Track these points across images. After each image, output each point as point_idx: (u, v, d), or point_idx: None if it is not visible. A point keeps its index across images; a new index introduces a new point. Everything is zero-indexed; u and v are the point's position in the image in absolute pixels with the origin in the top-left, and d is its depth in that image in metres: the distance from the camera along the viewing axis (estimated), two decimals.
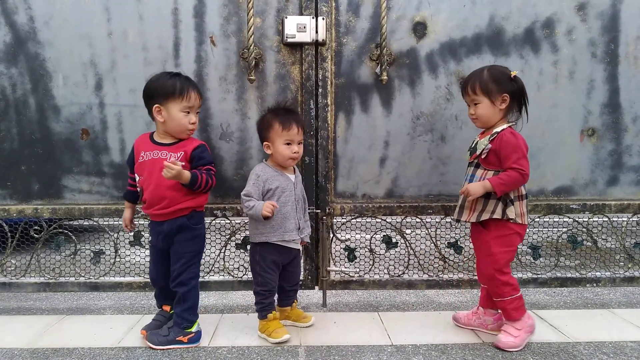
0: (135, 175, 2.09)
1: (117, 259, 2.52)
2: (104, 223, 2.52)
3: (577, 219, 2.58)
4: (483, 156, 2.03)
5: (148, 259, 2.52)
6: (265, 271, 2.12)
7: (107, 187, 2.45)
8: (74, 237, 2.52)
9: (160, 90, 2.00)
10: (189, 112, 2.03)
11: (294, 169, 2.26)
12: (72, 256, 2.53)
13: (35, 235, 2.50)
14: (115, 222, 2.50)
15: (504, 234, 2.02)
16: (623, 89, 2.48)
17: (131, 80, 2.38)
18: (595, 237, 2.60)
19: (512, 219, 1.99)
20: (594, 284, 2.61)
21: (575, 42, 2.44)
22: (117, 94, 2.40)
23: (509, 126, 2.04)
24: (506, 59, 2.42)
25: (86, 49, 2.36)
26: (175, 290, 2.06)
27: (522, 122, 2.10)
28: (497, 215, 1.99)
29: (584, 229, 2.59)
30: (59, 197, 2.46)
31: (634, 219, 2.61)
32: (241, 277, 2.53)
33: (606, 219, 2.58)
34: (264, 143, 2.16)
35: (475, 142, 2.13)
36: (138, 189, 2.09)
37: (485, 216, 2.02)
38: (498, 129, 2.03)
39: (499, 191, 1.95)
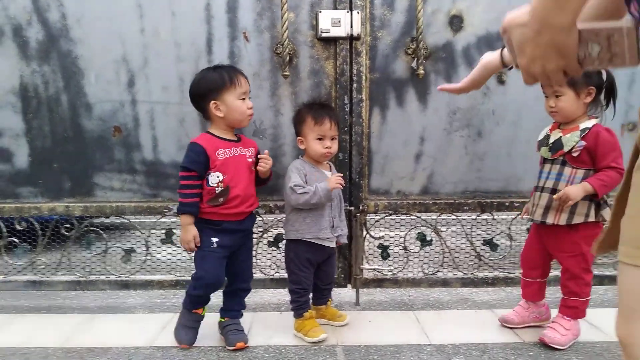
0: (213, 176, 1.94)
1: (148, 257, 2.50)
2: (135, 221, 2.49)
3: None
4: (575, 154, 1.92)
5: (179, 257, 2.51)
6: (300, 269, 2.09)
7: (139, 185, 2.43)
8: (104, 235, 2.51)
9: (211, 86, 1.95)
10: (244, 99, 1.99)
11: (330, 165, 2.23)
12: (102, 254, 2.51)
13: (66, 233, 2.48)
14: (146, 220, 2.48)
15: (593, 233, 1.92)
16: None
17: (163, 77, 2.36)
18: None
19: (607, 220, 1.93)
20: None
21: None
22: (149, 91, 2.37)
23: (597, 122, 1.94)
24: None
25: (118, 46, 2.34)
26: (243, 289, 2.13)
27: (604, 118, 2.00)
28: (591, 218, 1.93)
29: None
30: (90, 195, 2.44)
31: None
32: (273, 275, 2.50)
33: None
34: (298, 138, 2.14)
35: (550, 137, 2.03)
36: (218, 190, 1.94)
37: (577, 219, 1.93)
38: (587, 125, 1.93)
39: (601, 193, 1.88)
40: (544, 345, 1.98)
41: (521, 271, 2.24)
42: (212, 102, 1.94)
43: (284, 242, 2.20)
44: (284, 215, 2.42)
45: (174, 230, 2.50)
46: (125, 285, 2.50)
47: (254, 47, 2.34)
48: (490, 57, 1.45)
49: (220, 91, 1.94)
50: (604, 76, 1.94)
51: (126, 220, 2.49)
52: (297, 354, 1.95)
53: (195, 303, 2.03)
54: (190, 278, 2.09)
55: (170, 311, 2.44)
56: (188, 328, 2.04)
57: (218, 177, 1.94)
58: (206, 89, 1.95)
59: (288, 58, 2.29)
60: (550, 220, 1.98)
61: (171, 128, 2.39)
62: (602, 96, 1.98)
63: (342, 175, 2.11)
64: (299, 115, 2.13)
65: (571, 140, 1.94)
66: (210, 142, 1.96)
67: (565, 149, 1.94)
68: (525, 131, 2.39)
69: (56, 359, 1.93)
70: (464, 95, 2.36)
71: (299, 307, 2.11)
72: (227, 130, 2.02)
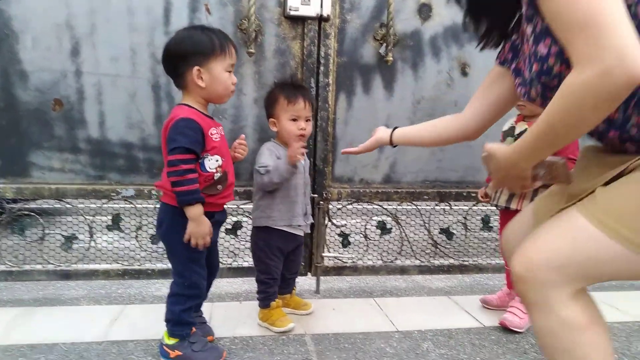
0: (211, 160, 1.65)
1: (92, 245, 2.29)
2: (79, 205, 2.26)
3: None
4: None
5: (126, 244, 2.32)
6: (270, 258, 2.00)
7: (83, 165, 2.20)
8: (41, 220, 2.25)
9: (198, 48, 1.61)
10: (230, 72, 1.69)
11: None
12: (39, 241, 2.26)
13: None
14: (91, 204, 2.26)
15: None
16: None
17: (113, 47, 2.13)
18: None
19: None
20: None
21: None
22: (96, 61, 2.14)
23: None
24: None
25: (61, 8, 2.08)
26: (212, 281, 1.90)
27: None
28: None
29: None
30: (25, 175, 2.17)
31: None
32: (230, 264, 2.38)
33: None
34: (270, 119, 2.03)
35: (516, 128, 2.10)
36: (217, 176, 1.67)
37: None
38: None
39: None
40: (504, 328, 2.05)
41: (504, 261, 2.32)
42: (196, 68, 1.61)
43: (250, 229, 2.10)
44: (243, 202, 2.32)
45: (122, 216, 2.30)
46: (66, 275, 2.27)
47: (216, 20, 2.19)
48: (383, 135, 1.73)
49: (208, 57, 1.62)
50: None
51: (68, 204, 2.25)
52: (265, 344, 1.87)
53: (189, 323, 1.72)
54: (172, 292, 1.72)
55: (118, 303, 2.25)
56: (204, 350, 1.71)
57: (217, 160, 1.66)
58: (192, 50, 1.61)
59: (253, 35, 2.16)
60: (514, 205, 2.06)
61: (120, 103, 2.17)
62: None
63: (305, 145, 1.95)
64: (271, 95, 2.02)
65: None
66: (202, 119, 1.63)
67: None
68: None
69: None
70: (429, 85, 2.40)
71: (266, 298, 2.03)
72: (203, 105, 1.70)
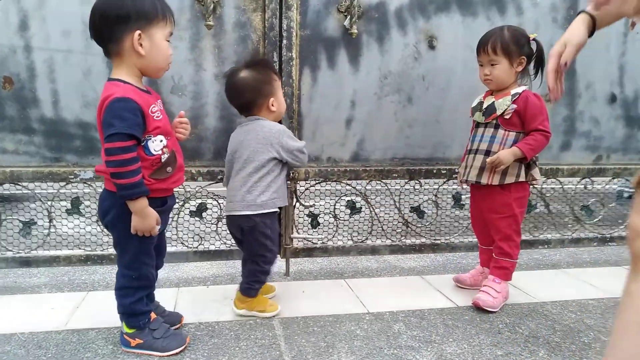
0: (155, 141, 1.51)
1: (52, 230, 2.20)
2: (35, 189, 2.17)
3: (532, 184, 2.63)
4: (507, 116, 1.98)
5: (88, 229, 2.24)
6: (274, 245, 1.91)
7: (38, 147, 2.11)
8: None
9: (140, 11, 1.44)
10: (169, 42, 1.54)
11: None
12: None
13: None
14: (48, 188, 2.17)
15: (522, 195, 2.05)
16: (579, 55, 2.52)
17: (65, 20, 2.03)
18: (547, 201, 2.67)
19: (536, 179, 2.02)
20: (545, 246, 2.70)
21: (539, 6, 2.44)
22: (46, 36, 2.04)
23: (526, 88, 2.01)
24: (474, 19, 2.37)
25: None
26: (160, 267, 1.78)
27: (531, 86, 2.06)
28: (522, 178, 2.00)
29: (538, 193, 2.66)
30: None
31: (582, 184, 2.71)
32: (197, 248, 2.31)
33: (558, 185, 2.66)
34: (271, 100, 1.88)
35: (484, 103, 2.07)
36: (164, 157, 1.53)
37: (509, 179, 1.99)
38: (518, 90, 1.99)
39: (529, 156, 1.95)
40: (477, 308, 2.01)
41: (477, 239, 2.29)
42: (138, 32, 1.44)
43: (244, 216, 1.83)
44: (207, 183, 2.25)
45: (81, 199, 2.21)
46: (26, 263, 2.18)
47: None
48: (578, 37, 1.57)
49: (151, 22, 1.46)
50: (534, 46, 2.00)
51: (24, 189, 2.16)
52: (231, 329, 1.80)
53: (144, 312, 1.63)
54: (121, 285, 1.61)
55: (81, 289, 2.17)
56: (166, 337, 1.64)
57: (162, 141, 1.52)
58: (134, 12, 1.43)
59: (212, 7, 2.08)
60: (484, 180, 2.02)
61: (74, 81, 2.08)
62: (531, 66, 2.03)
63: None
64: (267, 75, 1.88)
65: (503, 104, 1.99)
66: (139, 96, 1.47)
67: (498, 112, 2.00)
68: (453, 98, 2.40)
69: None
70: (396, 58, 2.33)
71: (259, 288, 1.93)
72: (137, 77, 1.53)
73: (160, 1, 1.51)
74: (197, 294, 2.13)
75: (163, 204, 1.61)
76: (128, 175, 1.42)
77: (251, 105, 1.88)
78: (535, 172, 2.02)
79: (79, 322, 1.85)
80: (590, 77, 2.57)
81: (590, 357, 1.66)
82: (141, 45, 1.47)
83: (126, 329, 1.63)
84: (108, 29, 1.45)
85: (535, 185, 2.08)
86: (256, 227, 1.84)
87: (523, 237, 2.61)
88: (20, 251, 2.18)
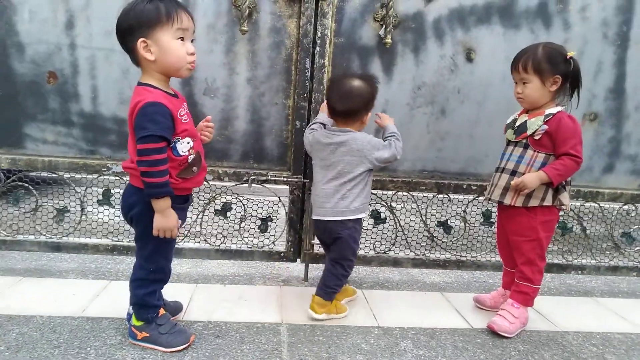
0: (183, 143, 1.58)
1: (83, 218, 2.31)
2: (70, 178, 2.28)
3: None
4: (537, 137, 1.90)
5: (117, 219, 2.32)
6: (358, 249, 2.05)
7: (75, 139, 2.21)
8: (35, 192, 2.28)
9: (141, 19, 1.49)
10: (183, 39, 1.55)
11: None
12: (32, 212, 2.29)
13: None
14: (82, 178, 2.27)
15: (549, 218, 1.96)
16: (630, 73, 2.39)
17: (107, 21, 2.11)
18: (584, 225, 2.54)
19: (564, 204, 1.93)
20: (579, 272, 2.57)
21: (588, 21, 2.31)
22: (90, 35, 2.14)
23: (562, 109, 1.91)
24: (516, 32, 2.28)
25: None
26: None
27: (570, 107, 1.96)
28: (548, 202, 1.92)
29: (574, 216, 2.53)
30: (19, 147, 2.20)
31: (624, 208, 2.56)
32: (218, 246, 2.36)
33: (597, 207, 2.53)
34: (368, 115, 1.98)
35: (517, 120, 2.00)
36: (190, 158, 1.61)
37: (534, 202, 1.92)
38: (552, 111, 1.90)
39: (556, 182, 1.87)
40: (492, 332, 1.95)
41: (501, 260, 2.23)
42: (141, 39, 1.49)
43: (339, 221, 1.92)
44: (232, 184, 2.29)
45: (112, 191, 2.30)
46: (57, 248, 2.30)
47: None
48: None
49: (153, 27, 1.50)
50: (571, 65, 1.89)
51: (59, 177, 2.27)
52: (238, 331, 1.83)
53: (155, 306, 1.70)
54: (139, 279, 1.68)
55: (105, 278, 2.27)
56: (171, 333, 1.69)
57: (189, 143, 1.59)
58: (135, 22, 1.49)
59: (247, 12, 2.11)
60: (507, 200, 1.96)
61: (113, 78, 2.17)
62: (568, 85, 1.93)
63: None
64: (376, 92, 1.97)
65: (535, 124, 1.91)
66: (169, 101, 1.54)
67: (529, 132, 1.92)
68: (489, 113, 2.33)
69: None
70: (431, 70, 2.28)
71: (338, 291, 2.02)
72: (164, 81, 1.59)
73: (166, 3, 1.53)
74: (213, 292, 2.17)
75: (185, 201, 1.69)
76: (157, 174, 1.50)
77: (354, 114, 1.92)
78: (564, 196, 1.92)
79: (96, 310, 1.93)
80: None
81: None
82: (150, 51, 1.52)
83: (135, 322, 1.69)
84: (123, 42, 1.56)
85: (566, 208, 1.97)
86: (349, 232, 1.93)
87: (555, 261, 2.53)
88: (52, 236, 2.30)
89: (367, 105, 1.93)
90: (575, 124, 1.88)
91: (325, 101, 2.02)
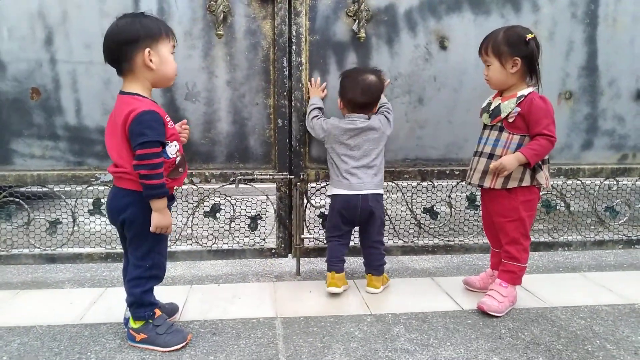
0: (171, 146, 1.69)
1: (76, 229, 2.35)
2: (60, 190, 2.32)
3: (551, 184, 2.56)
4: (510, 120, 1.95)
5: (109, 227, 2.37)
6: None
7: (62, 152, 2.25)
8: (26, 206, 2.33)
9: (148, 32, 1.63)
10: (173, 54, 1.74)
11: None
12: (25, 226, 2.33)
13: None
14: (72, 189, 2.32)
15: (529, 198, 2.00)
16: (601, 51, 2.44)
17: (86, 34, 2.16)
18: (568, 202, 2.60)
19: (541, 184, 1.98)
20: (566, 248, 2.63)
21: (556, 2, 2.37)
22: (70, 49, 2.18)
23: (534, 90, 1.96)
24: (487, 18, 2.33)
25: None
26: None
27: (541, 87, 2.01)
28: (526, 182, 1.97)
29: (557, 193, 2.59)
30: (8, 163, 2.24)
31: (606, 183, 2.62)
32: (210, 247, 2.40)
33: (579, 183, 2.58)
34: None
35: (492, 104, 2.04)
36: (178, 160, 1.72)
37: (512, 184, 1.97)
38: (524, 92, 1.94)
39: (533, 162, 1.92)
40: (482, 312, 2.00)
41: (488, 242, 2.28)
42: (148, 50, 1.62)
43: (377, 194, 2.17)
44: (219, 185, 2.33)
45: (102, 200, 2.35)
46: (52, 259, 2.34)
47: (185, 3, 2.19)
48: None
49: (157, 39, 1.65)
50: (531, 46, 1.92)
51: (50, 190, 2.31)
52: (234, 327, 1.88)
53: (151, 304, 1.76)
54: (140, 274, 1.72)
55: (101, 285, 2.31)
56: (169, 333, 1.74)
57: (175, 146, 1.71)
58: (143, 34, 1.62)
59: (222, 16, 2.15)
60: (487, 184, 2.01)
61: (95, 90, 2.21)
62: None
63: None
64: (384, 83, 2.23)
65: (508, 107, 1.96)
66: (158, 109, 1.68)
67: (502, 115, 1.97)
68: (466, 98, 2.38)
69: None
70: (406, 60, 2.34)
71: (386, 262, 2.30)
72: (149, 90, 1.72)
73: (161, 22, 1.72)
74: (207, 292, 2.22)
75: (171, 199, 1.78)
76: (157, 177, 1.61)
77: (373, 105, 2.18)
78: (541, 176, 1.97)
79: (94, 316, 1.97)
80: (614, 73, 2.47)
81: None
82: (151, 60, 1.64)
83: (133, 324, 1.74)
84: (121, 52, 1.64)
85: (545, 187, 2.01)
86: (381, 208, 2.20)
87: (542, 239, 2.59)
88: (46, 248, 2.34)
89: (380, 96, 2.19)
90: (546, 104, 1.93)
91: (341, 96, 2.18)
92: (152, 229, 1.66)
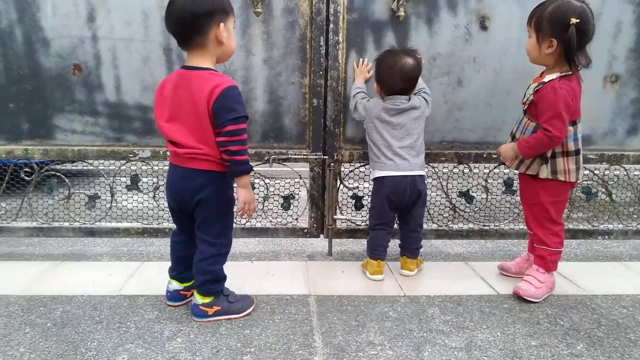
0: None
1: (114, 204, 2.40)
2: (99, 166, 2.37)
3: (593, 170, 2.48)
4: (525, 106, 1.93)
5: (145, 204, 2.41)
6: None
7: (102, 128, 2.30)
8: (67, 181, 2.39)
9: (221, 7, 1.62)
10: None
11: None
12: (65, 200, 2.40)
13: (26, 177, 2.36)
14: (110, 166, 2.37)
15: (550, 185, 1.94)
16: None
17: (126, 11, 2.19)
18: (610, 189, 2.51)
19: (558, 178, 1.90)
20: (606, 237, 2.55)
21: None
22: (111, 26, 2.21)
23: (561, 76, 1.83)
24: None
25: None
26: None
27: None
28: (531, 172, 1.94)
29: (599, 180, 2.51)
30: (50, 138, 2.30)
31: None
32: (244, 225, 2.43)
33: (623, 171, 2.49)
34: None
35: (528, 86, 1.99)
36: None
37: (522, 169, 1.97)
38: (548, 78, 1.86)
39: (525, 155, 1.90)
40: (518, 297, 1.96)
41: (525, 225, 2.23)
42: (222, 24, 1.61)
43: (422, 176, 2.16)
44: (255, 163, 2.34)
45: (140, 177, 2.39)
46: (91, 233, 2.41)
47: None
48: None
49: (228, 15, 1.65)
50: (571, 32, 1.75)
51: (90, 166, 2.37)
52: (268, 303, 1.90)
53: (225, 278, 1.81)
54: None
55: (137, 259, 2.36)
56: (239, 300, 1.83)
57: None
58: (218, 7, 1.61)
59: None
60: (508, 163, 2.04)
61: (135, 67, 2.24)
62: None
63: None
64: (422, 65, 2.18)
65: (529, 92, 1.93)
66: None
67: (524, 99, 1.94)
68: (506, 81, 2.32)
69: (18, 306, 1.83)
70: (445, 40, 2.29)
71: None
72: (214, 65, 1.69)
73: None
74: (241, 269, 2.24)
75: None
76: (245, 152, 1.64)
77: (412, 88, 2.13)
78: (543, 170, 1.90)
79: (132, 288, 2.02)
80: None
81: (633, 355, 1.57)
82: (223, 34, 1.63)
83: (201, 300, 1.75)
84: (197, 24, 1.60)
85: (566, 179, 1.91)
86: (426, 190, 2.18)
87: (580, 227, 2.51)
88: (85, 222, 2.40)
89: (419, 78, 2.15)
90: (557, 95, 1.79)
91: (379, 82, 2.13)
92: (240, 205, 1.70)
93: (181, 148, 1.65)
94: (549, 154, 1.89)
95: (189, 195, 1.69)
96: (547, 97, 1.81)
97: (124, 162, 2.32)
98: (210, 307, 1.75)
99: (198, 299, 1.76)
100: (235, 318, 1.77)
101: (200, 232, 1.75)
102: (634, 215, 2.56)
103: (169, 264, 1.89)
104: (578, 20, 1.74)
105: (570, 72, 1.84)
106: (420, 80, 2.17)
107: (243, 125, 1.61)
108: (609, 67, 2.35)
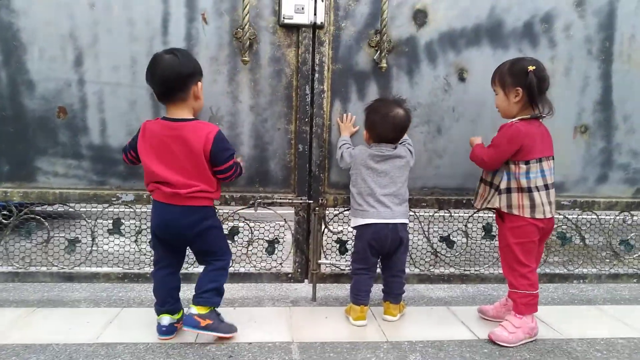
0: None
1: (94, 248, 2.36)
2: (81, 209, 2.34)
3: (566, 216, 2.58)
4: None
5: (127, 248, 2.38)
6: None
7: (85, 171, 2.28)
8: (46, 224, 2.34)
9: (198, 67, 1.95)
10: None
11: None
12: (44, 244, 2.34)
13: (3, 220, 2.31)
14: (92, 209, 2.33)
15: (516, 225, 2.03)
16: (615, 86, 2.49)
17: (114, 56, 2.22)
18: (583, 234, 2.61)
19: (513, 213, 2.02)
20: (581, 281, 2.62)
21: (572, 39, 2.42)
22: (98, 71, 2.23)
23: (520, 119, 2.03)
24: (505, 53, 2.38)
25: (65, 20, 2.18)
26: None
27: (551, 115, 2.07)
28: (490, 205, 2.10)
29: (573, 226, 2.60)
30: (31, 180, 2.27)
31: (620, 217, 2.63)
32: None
33: (594, 216, 2.59)
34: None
35: None
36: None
37: (484, 204, 2.12)
38: (515, 120, 2.04)
39: (470, 155, 2.17)
40: (492, 342, 2.00)
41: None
42: (200, 82, 1.94)
43: (404, 224, 2.21)
44: (240, 208, 2.35)
45: (122, 220, 2.36)
46: (69, 278, 2.34)
47: (213, 29, 2.24)
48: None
49: (201, 75, 1.98)
50: (530, 78, 1.96)
51: (70, 209, 2.33)
52: (250, 351, 1.88)
53: (223, 294, 2.02)
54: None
55: (117, 305, 2.31)
56: (226, 322, 2.01)
57: None
58: (198, 68, 1.95)
59: (248, 43, 2.21)
60: (475, 203, 2.21)
61: (121, 111, 2.25)
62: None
63: None
64: (411, 116, 2.27)
65: None
66: None
67: None
68: (484, 129, 2.40)
69: None
70: (425, 91, 2.38)
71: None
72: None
73: None
74: (223, 315, 2.19)
75: None
76: (238, 169, 2.06)
77: (401, 137, 2.21)
78: (495, 199, 2.06)
79: (110, 336, 1.97)
80: (628, 108, 2.51)
81: None
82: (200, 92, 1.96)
83: (198, 310, 1.90)
84: (181, 81, 1.88)
85: (520, 214, 2.02)
86: (408, 237, 2.25)
87: (557, 271, 2.58)
88: (64, 267, 2.34)
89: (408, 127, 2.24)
90: (506, 130, 2.01)
91: (369, 130, 2.20)
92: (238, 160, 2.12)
93: (180, 189, 1.86)
94: (503, 186, 2.03)
95: (189, 229, 1.91)
96: (500, 130, 2.04)
97: (106, 205, 2.30)
98: (203, 319, 1.89)
99: (194, 309, 1.90)
100: (221, 337, 1.93)
101: (205, 257, 2.00)
102: (607, 260, 2.65)
103: (150, 310, 1.94)
104: (534, 67, 1.97)
105: (528, 117, 2.02)
106: None
107: (235, 158, 2.02)
108: (578, 119, 2.48)
